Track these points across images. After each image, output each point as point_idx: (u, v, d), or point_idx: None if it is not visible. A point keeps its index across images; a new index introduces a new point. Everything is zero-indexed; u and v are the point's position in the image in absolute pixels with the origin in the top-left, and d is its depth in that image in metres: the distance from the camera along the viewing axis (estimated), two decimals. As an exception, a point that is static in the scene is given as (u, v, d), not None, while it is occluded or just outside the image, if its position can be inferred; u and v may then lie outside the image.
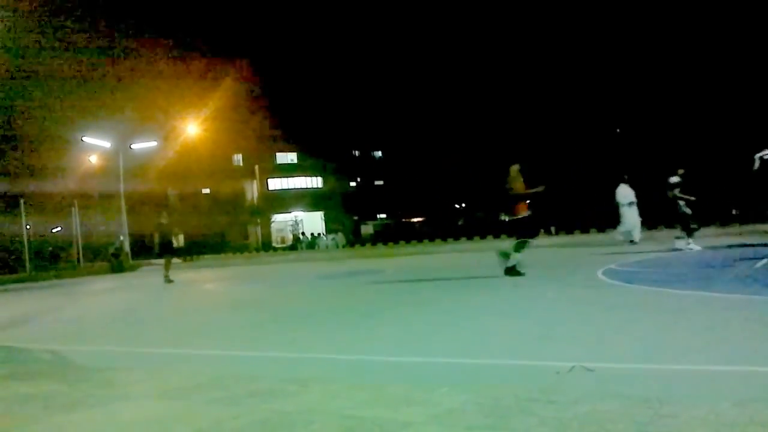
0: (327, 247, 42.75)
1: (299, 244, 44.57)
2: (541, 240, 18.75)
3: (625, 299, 7.53)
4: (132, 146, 38.89)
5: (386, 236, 44.01)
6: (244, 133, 50.77)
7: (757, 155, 15.06)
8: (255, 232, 51.54)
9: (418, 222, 54.92)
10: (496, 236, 33.09)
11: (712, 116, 36.79)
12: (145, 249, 39.48)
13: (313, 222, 53.81)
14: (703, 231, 21.79)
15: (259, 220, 50.90)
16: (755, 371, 3.84)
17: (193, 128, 42.13)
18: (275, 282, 13.86)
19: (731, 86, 36.13)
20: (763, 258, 10.83)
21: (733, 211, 29.41)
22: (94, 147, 38.95)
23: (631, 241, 17.41)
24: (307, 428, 3.27)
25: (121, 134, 37.18)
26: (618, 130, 42.62)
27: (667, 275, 9.66)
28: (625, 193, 17.80)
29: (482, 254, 19.74)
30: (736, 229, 21.09)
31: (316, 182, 59.85)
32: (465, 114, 48.43)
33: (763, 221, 19.70)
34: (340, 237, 45.32)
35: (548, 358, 4.57)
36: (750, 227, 20.45)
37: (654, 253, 14.03)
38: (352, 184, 61.90)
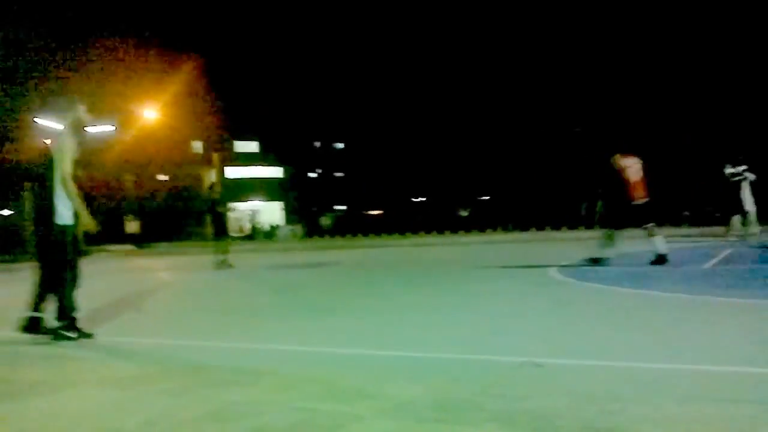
0: (285, 237, 42.52)
1: (257, 233, 44.24)
2: (498, 236, 18.98)
3: (577, 296, 7.67)
4: (85, 130, 37.94)
5: (345, 228, 44.01)
6: (204, 121, 50.14)
7: (728, 171, 15.48)
8: (213, 221, 50.68)
9: (376, 214, 55.02)
10: (454, 231, 33.38)
11: (668, 119, 37.55)
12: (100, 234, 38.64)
13: (272, 212, 53.46)
14: (662, 231, 22.24)
15: (218, 209, 50.09)
16: (699, 370, 3.95)
17: (150, 114, 41.43)
18: (230, 272, 13.75)
19: (687, 91, 36.91)
20: (711, 259, 11.13)
21: (685, 213, 30.13)
22: (48, 130, 37.93)
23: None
24: (257, 420, 3.26)
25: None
26: (578, 130, 43.19)
27: (619, 274, 9.85)
28: None
29: (439, 249, 19.89)
30: (686, 230, 21.60)
31: (276, 172, 59.41)
32: (427, 109, 48.61)
33: (711, 224, 20.24)
34: (298, 228, 45.14)
35: (500, 353, 4.63)
36: (700, 229, 20.97)
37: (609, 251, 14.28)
38: (313, 175, 61.66)
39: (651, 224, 10.30)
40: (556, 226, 30.44)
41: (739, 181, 15.24)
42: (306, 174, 60.32)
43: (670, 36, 37.24)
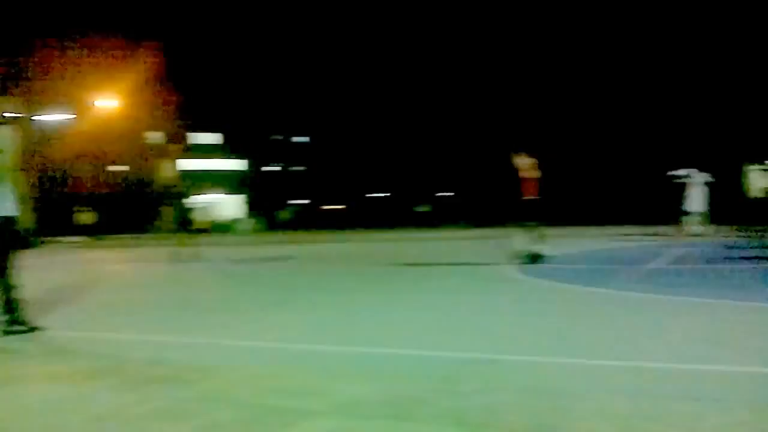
0: (244, 230, 42.16)
1: (216, 227, 43.73)
2: (457, 232, 19.11)
3: (532, 294, 7.77)
4: (34, 118, 37.21)
5: (304, 222, 43.86)
6: (162, 112, 49.36)
7: (676, 173, 15.87)
8: (170, 213, 50.08)
9: (337, 209, 54.87)
10: (414, 227, 33.51)
11: (609, 120, 38.22)
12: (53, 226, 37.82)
13: (231, 205, 52.93)
14: (605, 230, 22.65)
15: (175, 201, 49.48)
16: (646, 367, 4.03)
17: (108, 105, 40.65)
18: (185, 265, 13.58)
19: (628, 93, 37.61)
20: (662, 258, 11.37)
21: (640, 212, 30.70)
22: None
23: None
24: (207, 417, 3.23)
25: (26, 106, 35.42)
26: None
27: (574, 272, 10.00)
28: None
29: (398, 244, 19.93)
30: (634, 229, 22.02)
31: (236, 165, 58.82)
32: (389, 105, 48.58)
33: (657, 224, 20.72)
34: (257, 221, 44.79)
35: (452, 350, 4.66)
36: (653, 229, 21.38)
37: (564, 250, 14.48)
38: (273, 168, 61.22)
39: (536, 223, 10.75)
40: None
41: (685, 183, 15.63)
42: (266, 167, 59.88)
43: (613, 34, 37.89)
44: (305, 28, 49.54)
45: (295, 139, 61.14)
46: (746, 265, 10.01)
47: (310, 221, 44.01)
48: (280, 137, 61.38)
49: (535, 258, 10.88)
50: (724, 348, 4.44)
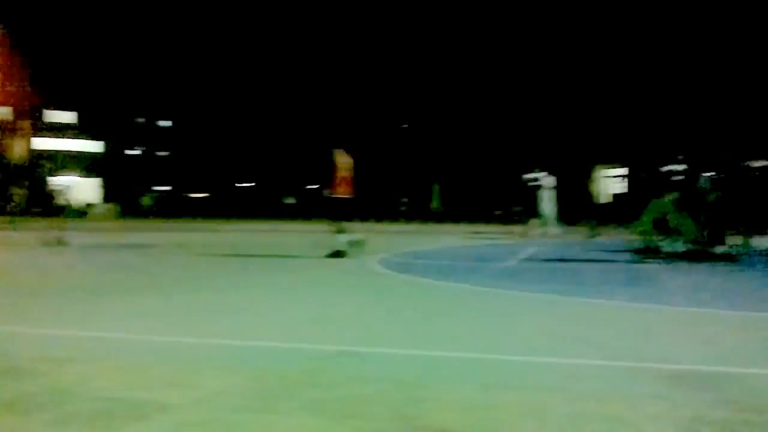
0: (101, 216, 40.15)
1: (69, 211, 41.34)
2: (322, 225, 19.17)
3: (394, 288, 7.95)
4: None
5: (167, 209, 42.39)
6: (12, 86, 45.97)
7: (529, 176, 16.73)
8: (20, 195, 46.85)
9: (201, 197, 53.36)
10: (279, 218, 33.23)
11: (469, 121, 39.71)
12: None
13: (87, 188, 50.12)
14: (464, 228, 23.52)
15: (25, 182, 46.41)
16: (498, 359, 4.25)
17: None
18: (38, 251, 12.78)
19: (489, 95, 39.21)
20: (517, 256, 11.97)
21: (496, 212, 32.07)
22: None
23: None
24: (57, 411, 3.08)
25: None
26: (405, 126, 44.54)
27: (435, 267, 10.32)
28: None
29: (263, 235, 19.72)
30: (490, 228, 23.01)
31: (93, 146, 55.77)
32: (258, 93, 47.75)
33: (517, 223, 21.79)
34: (116, 207, 42.79)
35: (317, 342, 4.70)
36: (508, 228, 22.40)
37: (424, 246, 14.90)
38: (135, 152, 58.60)
39: (345, 221, 11.36)
40: (378, 218, 31.27)
41: (537, 186, 16.57)
42: (127, 151, 57.22)
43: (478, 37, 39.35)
44: (170, 7, 47.66)
45: (161, 123, 58.83)
46: (594, 265, 10.72)
47: (173, 209, 42.57)
48: (142, 120, 58.87)
49: (339, 254, 11.16)
50: (571, 342, 4.76)
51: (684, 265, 10.35)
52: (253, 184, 53.25)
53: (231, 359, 4.23)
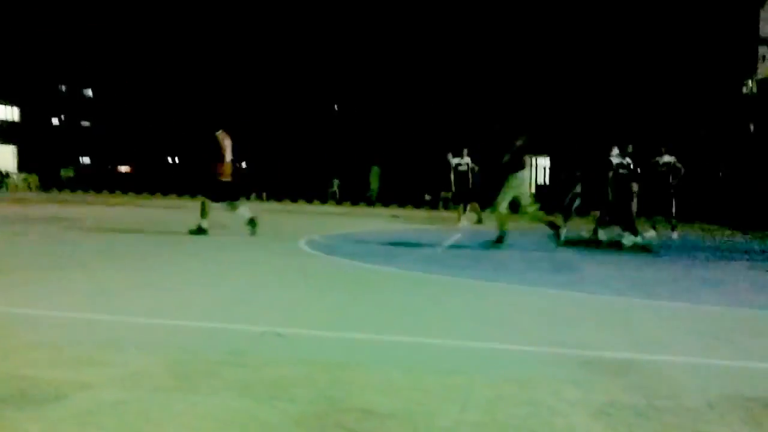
0: (17, 186, 38.64)
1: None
2: (252, 205, 18.99)
3: (322, 269, 7.95)
4: None
5: (89, 182, 41.13)
6: None
7: (453, 160, 16.92)
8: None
9: (126, 171, 51.84)
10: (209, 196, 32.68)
11: (416, 107, 39.94)
12: None
13: (2, 158, 48.02)
14: (395, 212, 23.66)
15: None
16: (423, 342, 4.31)
17: None
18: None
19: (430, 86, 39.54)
20: (444, 242, 12.13)
21: (426, 197, 32.41)
22: None
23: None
24: (-34, 389, 2.96)
25: None
26: (336, 107, 44.35)
27: (363, 250, 10.36)
28: None
29: (190, 212, 19.35)
30: (426, 213, 23.27)
31: (8, 113, 53.40)
32: (187, 65, 46.53)
33: (445, 208, 22.10)
34: (33, 178, 41.22)
35: (242, 322, 4.66)
36: (439, 213, 22.69)
37: (352, 229, 14.93)
38: (55, 121, 56.38)
39: (234, 201, 11.60)
40: (309, 199, 31.16)
41: (465, 171, 16.73)
42: (48, 119, 54.97)
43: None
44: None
45: (85, 91, 56.72)
46: (519, 252, 10.96)
47: (96, 182, 41.29)
48: (65, 87, 56.64)
49: (199, 231, 11.23)
50: (494, 326, 4.86)
51: (601, 255, 10.71)
52: (180, 158, 52.01)
53: (150, 338, 4.14)
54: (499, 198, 11.04)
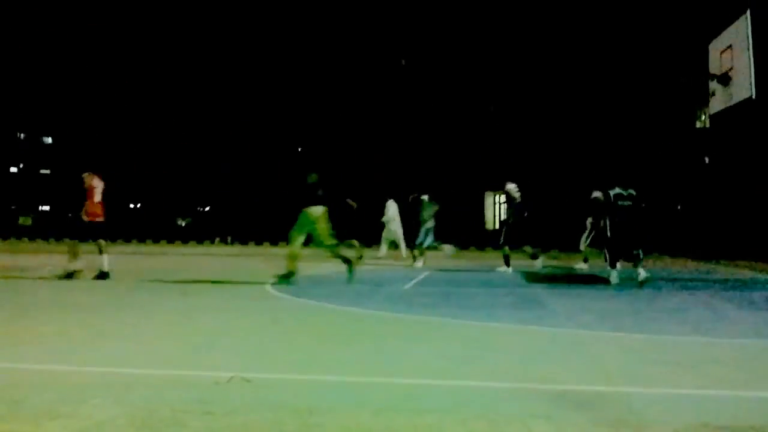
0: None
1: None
2: (216, 248, 18.83)
3: (289, 312, 7.87)
4: None
5: (48, 230, 40.29)
6: None
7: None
8: None
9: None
10: (171, 241, 32.29)
11: (382, 149, 40.29)
12: None
13: (-43, 207, 46.99)
14: (365, 251, 23.56)
15: None
16: (393, 382, 4.27)
17: None
18: None
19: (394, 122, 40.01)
20: (408, 280, 12.12)
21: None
22: None
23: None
24: None
25: None
26: (299, 149, 44.48)
27: (330, 291, 10.29)
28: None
29: (154, 258, 19.09)
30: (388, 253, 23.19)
31: (-35, 162, 52.52)
32: (145, 108, 46.25)
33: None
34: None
35: (208, 369, 4.57)
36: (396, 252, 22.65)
37: (318, 270, 14.83)
38: (13, 169, 55.55)
39: (101, 240, 11.75)
40: (274, 242, 30.92)
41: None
42: (6, 167, 54.13)
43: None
44: (54, 21, 45.61)
45: (43, 138, 56.05)
46: (483, 289, 11.00)
47: (55, 229, 40.46)
48: (23, 135, 55.96)
49: (70, 275, 11.31)
50: (463, 364, 4.85)
51: (565, 289, 10.81)
52: (141, 204, 51.45)
53: (115, 388, 4.03)
54: (293, 234, 10.89)
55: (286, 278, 10.65)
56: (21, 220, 46.33)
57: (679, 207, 30.71)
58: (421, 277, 13.02)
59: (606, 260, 11.68)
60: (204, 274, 11.36)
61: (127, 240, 32.54)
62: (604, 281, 11.36)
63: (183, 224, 44.57)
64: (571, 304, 8.65)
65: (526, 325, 6.80)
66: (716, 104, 14.57)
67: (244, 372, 4.34)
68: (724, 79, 13.85)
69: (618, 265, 11.20)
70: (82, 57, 45.99)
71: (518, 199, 14.88)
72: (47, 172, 55.61)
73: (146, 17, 44.09)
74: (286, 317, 7.43)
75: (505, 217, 15.87)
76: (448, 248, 16.70)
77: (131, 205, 52.50)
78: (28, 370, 4.53)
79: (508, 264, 14.24)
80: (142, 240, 32.52)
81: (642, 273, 10.74)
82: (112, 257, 12.02)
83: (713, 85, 14.57)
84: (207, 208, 49.08)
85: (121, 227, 38.37)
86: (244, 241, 31.04)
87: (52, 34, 45.79)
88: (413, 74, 39.21)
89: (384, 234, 19.07)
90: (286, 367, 4.69)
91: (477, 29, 37.40)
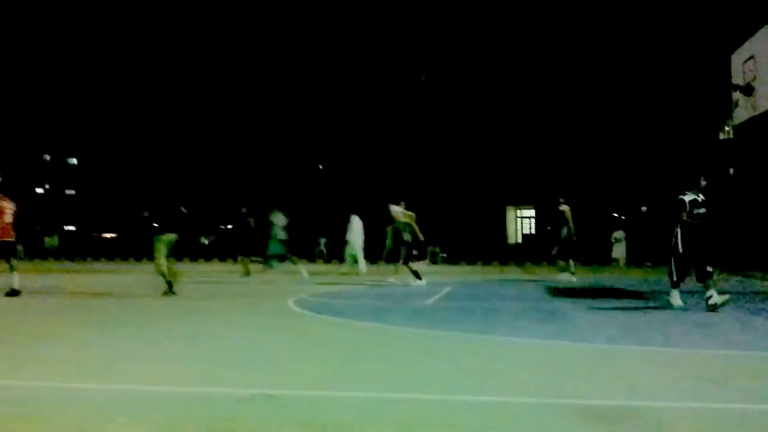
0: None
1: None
2: (241, 266, 18.95)
3: (312, 328, 7.86)
4: None
5: (73, 250, 40.84)
6: None
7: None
8: None
9: (110, 237, 51.55)
10: (193, 259, 32.49)
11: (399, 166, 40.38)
12: None
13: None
14: (381, 268, 23.55)
15: None
16: (417, 398, 4.24)
17: None
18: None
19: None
20: (433, 295, 12.08)
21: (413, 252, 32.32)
22: None
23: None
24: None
25: None
26: (320, 167, 44.68)
27: (352, 307, 10.28)
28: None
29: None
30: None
31: (-7, 183, 53.49)
32: (169, 132, 46.84)
33: (436, 263, 22.04)
34: (19, 248, 40.86)
35: (232, 385, 4.56)
36: (430, 268, 22.61)
37: (339, 287, 14.84)
38: (40, 190, 56.40)
39: (13, 259, 12.07)
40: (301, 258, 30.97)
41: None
42: (32, 189, 54.97)
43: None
44: (76, 44, 46.41)
45: (68, 159, 56.85)
46: (507, 303, 10.92)
47: (81, 249, 41.01)
48: (49, 157, 56.81)
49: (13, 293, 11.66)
50: (488, 379, 4.80)
51: (589, 302, 10.69)
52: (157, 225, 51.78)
53: (141, 405, 4.04)
54: (156, 255, 12.04)
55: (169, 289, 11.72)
56: (47, 241, 46.88)
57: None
58: (444, 292, 12.97)
59: (671, 276, 9.97)
60: (226, 290, 11.39)
61: (151, 258, 32.78)
62: (628, 294, 11.23)
63: (206, 242, 44.80)
64: (595, 318, 8.55)
65: (550, 339, 6.74)
66: (740, 115, 14.44)
67: (268, 389, 4.33)
68: (747, 90, 13.73)
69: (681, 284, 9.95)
70: (109, 80, 46.70)
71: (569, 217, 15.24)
72: (72, 192, 56.39)
73: (173, 44, 44.74)
74: (309, 333, 7.43)
75: (562, 233, 15.97)
76: (303, 271, 16.76)
77: (154, 224, 52.99)
78: (52, 387, 4.56)
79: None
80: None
81: (715, 296, 9.33)
82: (140, 275, 12.11)
83: (736, 95, 14.46)
84: (230, 226, 49.34)
85: (143, 247, 38.79)
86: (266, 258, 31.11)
87: (79, 59, 46.57)
88: (434, 90, 39.30)
89: (347, 250, 19.49)
90: (309, 384, 4.67)
91: (501, 47, 37.46)
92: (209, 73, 44.59)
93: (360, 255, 19.21)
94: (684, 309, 9.63)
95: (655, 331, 7.41)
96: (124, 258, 35.53)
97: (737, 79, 14.25)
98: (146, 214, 13.44)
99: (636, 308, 9.85)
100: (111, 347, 6.31)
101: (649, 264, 14.80)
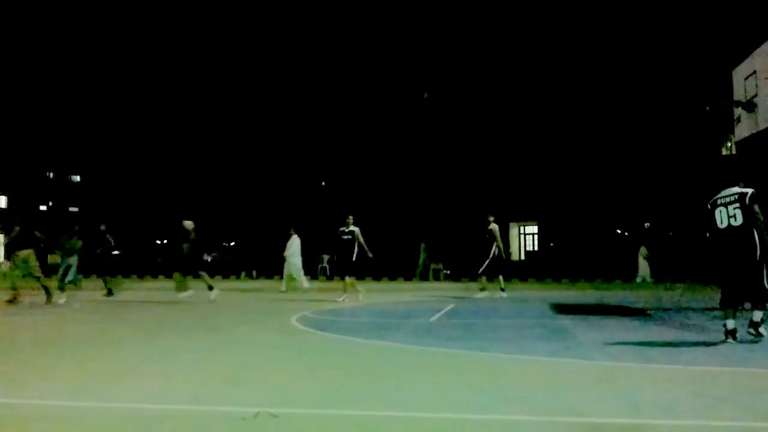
0: (4, 275, 38.22)
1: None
2: (241, 283, 18.93)
3: (315, 346, 7.85)
4: None
5: (78, 267, 40.77)
6: None
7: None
8: None
9: (113, 254, 51.51)
10: (197, 276, 32.43)
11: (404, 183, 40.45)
12: None
13: (-14, 247, 47.80)
14: (379, 286, 23.54)
15: None
16: (420, 416, 4.23)
17: None
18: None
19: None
20: (437, 312, 12.05)
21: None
22: None
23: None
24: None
25: None
26: (323, 183, 44.78)
27: (356, 324, 10.26)
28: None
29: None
30: (409, 285, 23.14)
31: (-2, 201, 53.56)
32: (172, 149, 47.00)
33: (439, 279, 22.00)
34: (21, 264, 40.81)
35: (235, 404, 4.56)
36: (431, 284, 22.58)
37: (349, 302, 14.81)
38: (43, 207, 56.55)
39: None
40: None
41: (349, 239, 16.74)
42: (36, 206, 55.10)
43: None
44: (78, 61, 46.70)
45: (72, 177, 57.06)
46: (514, 321, 10.90)
47: (84, 266, 40.92)
48: (52, 174, 57.02)
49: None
50: (492, 397, 4.79)
51: (592, 319, 10.66)
52: (168, 240, 51.88)
53: (142, 424, 4.04)
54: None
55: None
56: (51, 258, 46.92)
57: (707, 235, 30.35)
58: (447, 309, 12.94)
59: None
60: (229, 308, 11.38)
61: (154, 276, 32.83)
62: (632, 312, 11.16)
63: (209, 259, 44.82)
64: (599, 335, 8.52)
65: (553, 356, 6.71)
66: (742, 131, 14.45)
67: (271, 407, 4.32)
68: (749, 106, 13.75)
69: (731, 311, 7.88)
70: (112, 98, 46.93)
71: None
72: (76, 209, 56.50)
73: (177, 63, 45.00)
74: (312, 351, 7.41)
75: (492, 251, 16.30)
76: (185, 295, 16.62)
77: (158, 241, 53.02)
78: (57, 406, 4.55)
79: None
80: (169, 275, 32.72)
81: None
82: (145, 292, 12.10)
83: (738, 111, 14.48)
84: (232, 243, 49.41)
85: (147, 264, 38.78)
86: (269, 276, 31.11)
87: (83, 77, 46.83)
88: (437, 107, 39.43)
89: (285, 268, 19.65)
90: (312, 402, 4.66)
91: (504, 65, 37.62)
92: (213, 92, 44.83)
93: (299, 272, 19.60)
94: (688, 327, 9.58)
95: (659, 349, 7.39)
96: (127, 275, 35.48)
97: (739, 94, 14.27)
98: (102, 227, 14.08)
99: (639, 326, 9.81)
100: (113, 366, 6.30)
101: (669, 282, 14.68)
